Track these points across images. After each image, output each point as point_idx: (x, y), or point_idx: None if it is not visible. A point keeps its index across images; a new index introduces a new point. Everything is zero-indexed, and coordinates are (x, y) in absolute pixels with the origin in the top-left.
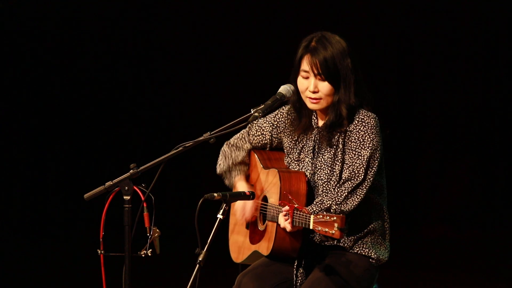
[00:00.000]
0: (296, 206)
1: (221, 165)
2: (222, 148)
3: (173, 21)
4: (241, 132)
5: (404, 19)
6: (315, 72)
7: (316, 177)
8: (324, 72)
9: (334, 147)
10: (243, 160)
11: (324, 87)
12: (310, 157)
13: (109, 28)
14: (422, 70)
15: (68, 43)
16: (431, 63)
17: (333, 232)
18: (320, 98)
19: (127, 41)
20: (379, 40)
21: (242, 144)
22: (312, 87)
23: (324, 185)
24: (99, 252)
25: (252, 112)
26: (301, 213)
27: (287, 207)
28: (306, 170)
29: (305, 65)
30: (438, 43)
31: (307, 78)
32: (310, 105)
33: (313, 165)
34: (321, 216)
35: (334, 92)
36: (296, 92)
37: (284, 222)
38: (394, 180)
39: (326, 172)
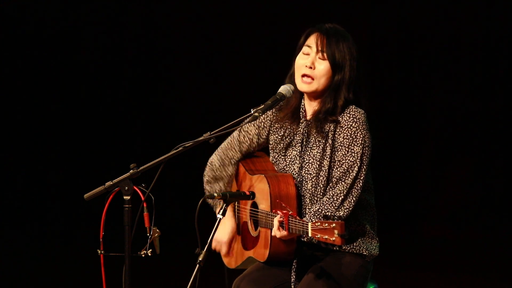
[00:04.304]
0: (290, 213)
1: (207, 175)
2: (212, 159)
3: (173, 20)
4: (231, 140)
5: (405, 19)
6: (319, 48)
7: (303, 171)
8: (328, 50)
9: (323, 141)
10: (232, 174)
11: (322, 65)
12: (298, 151)
13: (109, 27)
14: (423, 70)
15: (68, 42)
16: (432, 63)
17: (334, 238)
18: (313, 79)
19: (128, 40)
20: (379, 40)
21: (232, 155)
22: (309, 63)
23: (313, 179)
24: (99, 252)
25: (252, 112)
26: (297, 220)
27: (280, 218)
28: (294, 164)
29: (311, 40)
30: (439, 44)
31: (307, 54)
32: (301, 84)
33: (301, 159)
34: (319, 223)
35: (329, 77)
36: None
37: (280, 231)
38: (394, 180)
39: (314, 166)
